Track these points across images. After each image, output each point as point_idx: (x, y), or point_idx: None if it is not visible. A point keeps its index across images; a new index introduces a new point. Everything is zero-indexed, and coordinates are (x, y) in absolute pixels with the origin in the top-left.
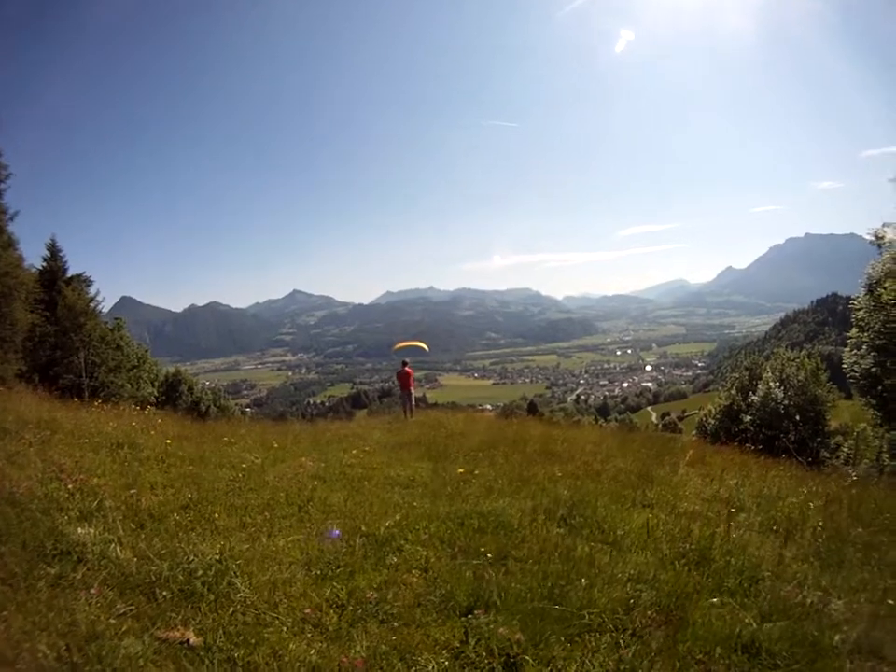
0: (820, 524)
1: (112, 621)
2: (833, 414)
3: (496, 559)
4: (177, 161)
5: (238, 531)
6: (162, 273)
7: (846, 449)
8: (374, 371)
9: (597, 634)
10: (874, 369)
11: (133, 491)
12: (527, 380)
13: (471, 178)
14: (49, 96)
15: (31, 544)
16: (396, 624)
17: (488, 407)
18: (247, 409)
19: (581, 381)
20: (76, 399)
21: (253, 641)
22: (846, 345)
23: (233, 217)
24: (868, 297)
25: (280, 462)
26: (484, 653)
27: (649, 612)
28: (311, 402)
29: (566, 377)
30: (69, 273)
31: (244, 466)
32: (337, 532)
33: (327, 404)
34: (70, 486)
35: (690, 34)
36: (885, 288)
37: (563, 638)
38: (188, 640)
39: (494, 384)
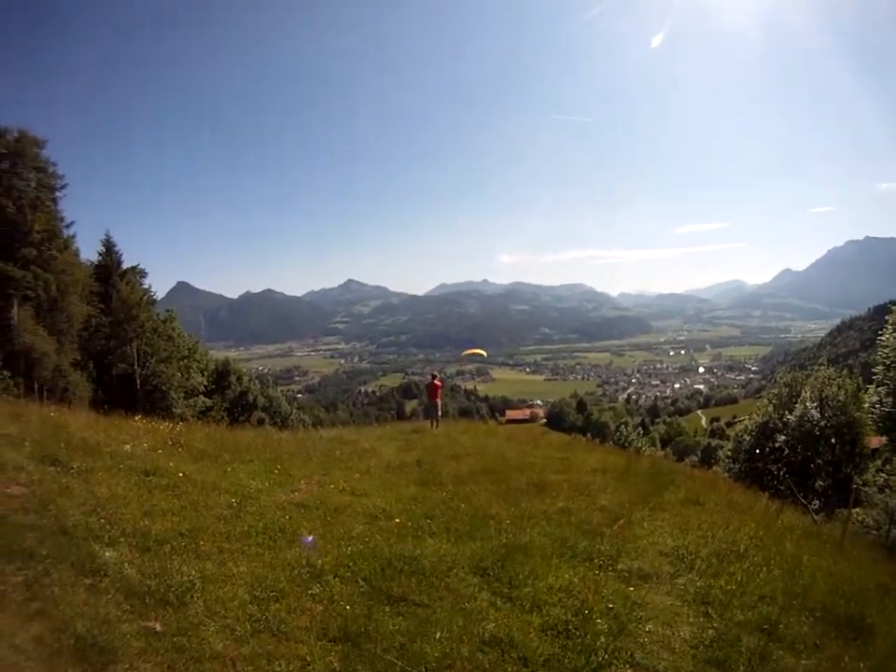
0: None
1: (118, 613)
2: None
3: (396, 599)
4: (238, 150)
5: (216, 555)
6: (219, 259)
7: (884, 475)
8: (427, 362)
9: None
10: (892, 410)
11: (146, 521)
12: (579, 377)
13: (528, 173)
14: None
15: (77, 564)
16: (281, 639)
17: (539, 402)
18: (298, 395)
19: (633, 380)
20: (122, 412)
21: (190, 634)
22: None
23: (290, 206)
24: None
25: (279, 487)
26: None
27: None
28: (362, 391)
29: (618, 375)
30: (124, 266)
31: (244, 493)
32: (310, 539)
33: (378, 394)
34: (103, 520)
35: (747, 26)
36: None
37: None
38: (155, 628)
39: (546, 379)
